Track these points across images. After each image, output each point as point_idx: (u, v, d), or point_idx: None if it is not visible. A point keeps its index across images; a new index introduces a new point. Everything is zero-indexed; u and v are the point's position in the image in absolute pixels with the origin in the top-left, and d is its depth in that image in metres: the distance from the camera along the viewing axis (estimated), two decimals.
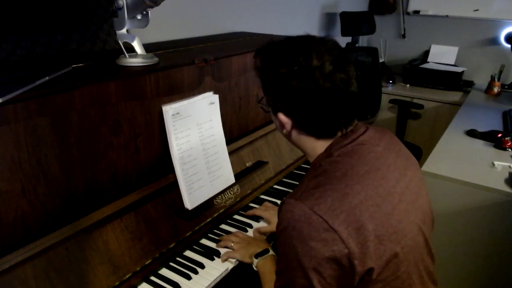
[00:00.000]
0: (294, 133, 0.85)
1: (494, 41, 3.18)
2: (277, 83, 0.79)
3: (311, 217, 0.72)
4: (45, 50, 1.06)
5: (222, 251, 1.13)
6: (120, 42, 1.07)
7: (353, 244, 0.71)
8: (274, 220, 1.22)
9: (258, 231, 1.22)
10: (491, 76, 2.89)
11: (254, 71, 0.85)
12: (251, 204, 1.40)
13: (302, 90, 0.76)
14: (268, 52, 0.82)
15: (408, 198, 0.82)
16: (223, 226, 1.27)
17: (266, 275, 1.03)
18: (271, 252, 1.09)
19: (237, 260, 1.11)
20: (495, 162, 1.71)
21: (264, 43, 0.84)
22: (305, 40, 0.80)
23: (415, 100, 3.05)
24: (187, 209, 1.15)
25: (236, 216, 1.32)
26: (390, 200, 0.78)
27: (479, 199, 1.57)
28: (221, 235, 1.21)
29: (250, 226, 1.26)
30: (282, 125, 0.84)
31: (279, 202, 1.40)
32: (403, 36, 3.50)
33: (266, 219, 1.25)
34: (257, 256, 1.07)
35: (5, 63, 0.99)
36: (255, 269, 1.07)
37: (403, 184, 0.83)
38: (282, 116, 0.82)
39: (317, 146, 0.84)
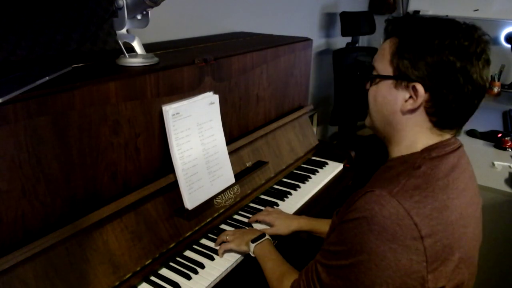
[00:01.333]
0: (411, 113, 0.76)
1: (494, 41, 3.18)
2: (432, 53, 0.71)
3: (404, 220, 0.66)
4: (45, 50, 1.06)
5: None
6: (120, 42, 1.07)
7: (434, 260, 0.68)
8: (278, 223, 1.21)
9: None
10: (491, 76, 2.89)
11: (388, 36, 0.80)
12: (251, 204, 1.40)
13: (457, 69, 0.70)
14: (421, 22, 0.76)
15: (480, 226, 0.81)
16: (223, 226, 1.27)
17: (266, 255, 1.03)
18: (267, 236, 1.09)
19: (234, 250, 1.10)
20: (495, 162, 1.71)
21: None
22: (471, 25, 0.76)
23: None
24: (187, 209, 1.15)
25: (236, 216, 1.32)
26: (472, 224, 0.76)
27: None
28: None
29: (250, 226, 1.26)
30: (403, 99, 0.75)
31: (279, 202, 1.40)
32: None
33: (269, 222, 1.23)
34: (253, 241, 1.06)
35: (5, 63, 0.99)
36: (252, 255, 1.06)
37: (479, 210, 0.81)
38: (419, 87, 0.73)
39: (419, 140, 0.77)
